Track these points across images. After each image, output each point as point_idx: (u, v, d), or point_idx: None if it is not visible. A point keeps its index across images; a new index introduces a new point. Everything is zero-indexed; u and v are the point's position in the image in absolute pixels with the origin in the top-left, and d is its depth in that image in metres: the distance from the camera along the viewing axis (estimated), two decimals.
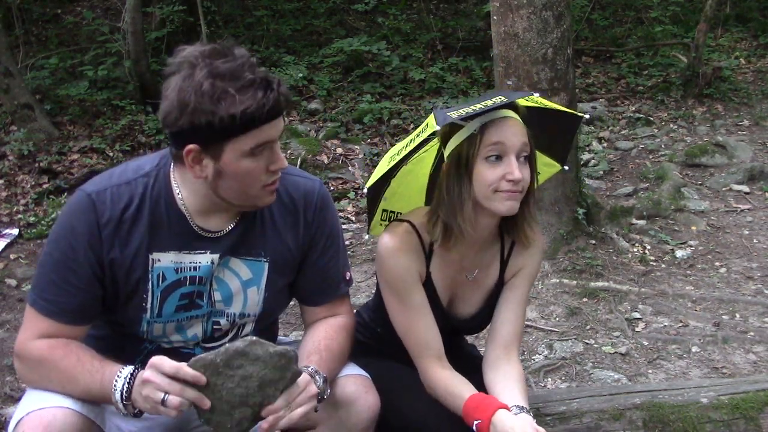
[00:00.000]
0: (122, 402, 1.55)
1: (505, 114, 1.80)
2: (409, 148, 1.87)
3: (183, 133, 1.54)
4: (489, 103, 1.76)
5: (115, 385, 1.56)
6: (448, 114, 1.75)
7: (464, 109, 1.76)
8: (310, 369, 1.65)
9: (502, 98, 1.79)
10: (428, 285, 1.94)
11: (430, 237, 1.89)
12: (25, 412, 1.56)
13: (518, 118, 1.82)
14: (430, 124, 1.78)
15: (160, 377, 1.49)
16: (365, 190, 1.99)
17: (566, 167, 2.11)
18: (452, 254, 1.92)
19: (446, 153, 1.85)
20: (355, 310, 2.04)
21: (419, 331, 1.90)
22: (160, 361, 1.51)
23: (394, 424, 1.89)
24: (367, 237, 2.81)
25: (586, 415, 2.22)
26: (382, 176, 1.95)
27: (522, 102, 1.87)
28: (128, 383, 1.55)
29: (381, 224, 2.11)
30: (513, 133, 1.78)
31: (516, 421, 1.73)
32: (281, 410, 1.54)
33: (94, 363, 1.60)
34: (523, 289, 2.01)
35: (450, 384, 1.87)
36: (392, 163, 1.92)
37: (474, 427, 1.77)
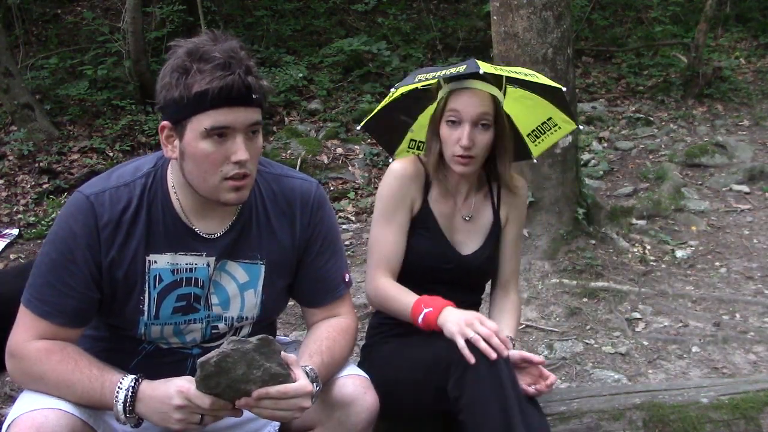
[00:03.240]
0: (125, 415, 1.56)
1: (468, 85, 2.01)
2: (393, 96, 2.11)
3: (161, 109, 1.59)
4: (453, 71, 1.99)
5: (116, 397, 1.56)
6: (418, 75, 2.05)
7: (437, 73, 2.02)
8: (308, 369, 1.64)
9: (461, 69, 1.98)
10: (427, 214, 2.13)
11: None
12: (18, 414, 1.55)
13: (484, 88, 2.01)
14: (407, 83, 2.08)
15: (194, 405, 1.52)
16: (358, 128, 2.31)
17: (581, 126, 2.38)
18: (447, 189, 2.14)
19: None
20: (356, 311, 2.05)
21: (388, 244, 2.10)
22: (189, 393, 1.52)
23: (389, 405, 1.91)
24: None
25: (586, 415, 2.22)
26: (374, 116, 2.22)
27: (497, 71, 2.04)
28: (131, 394, 1.56)
29: (408, 151, 2.33)
30: (470, 103, 2.00)
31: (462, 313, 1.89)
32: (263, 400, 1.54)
33: (93, 370, 1.59)
34: (514, 232, 2.24)
35: (398, 290, 2.05)
36: (380, 107, 2.17)
37: (421, 318, 1.94)
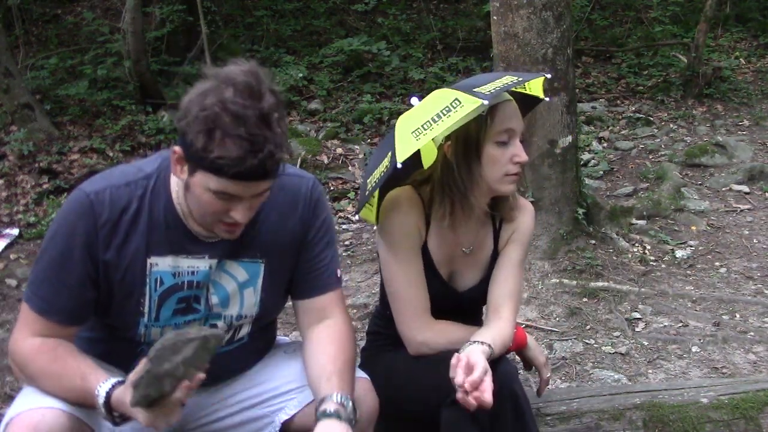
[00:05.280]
0: (105, 414, 1.55)
1: (507, 97, 1.84)
2: (442, 127, 1.75)
3: (178, 131, 1.54)
4: (508, 81, 1.77)
5: (98, 392, 1.55)
6: (476, 90, 1.73)
7: (487, 87, 1.75)
8: (335, 397, 1.65)
9: (518, 78, 1.81)
10: (425, 253, 1.98)
11: (432, 210, 1.96)
12: (16, 413, 1.56)
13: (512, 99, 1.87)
14: (465, 101, 1.73)
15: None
16: (399, 165, 1.75)
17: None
18: (449, 229, 1.98)
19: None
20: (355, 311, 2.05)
21: (422, 288, 1.95)
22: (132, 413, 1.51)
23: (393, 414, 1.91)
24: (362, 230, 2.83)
25: (586, 415, 2.22)
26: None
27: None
28: (109, 394, 1.55)
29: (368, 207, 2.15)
30: (517, 116, 1.85)
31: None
32: None
33: (81, 368, 1.59)
34: (513, 254, 2.03)
35: (460, 328, 1.96)
36: (422, 139, 1.78)
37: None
